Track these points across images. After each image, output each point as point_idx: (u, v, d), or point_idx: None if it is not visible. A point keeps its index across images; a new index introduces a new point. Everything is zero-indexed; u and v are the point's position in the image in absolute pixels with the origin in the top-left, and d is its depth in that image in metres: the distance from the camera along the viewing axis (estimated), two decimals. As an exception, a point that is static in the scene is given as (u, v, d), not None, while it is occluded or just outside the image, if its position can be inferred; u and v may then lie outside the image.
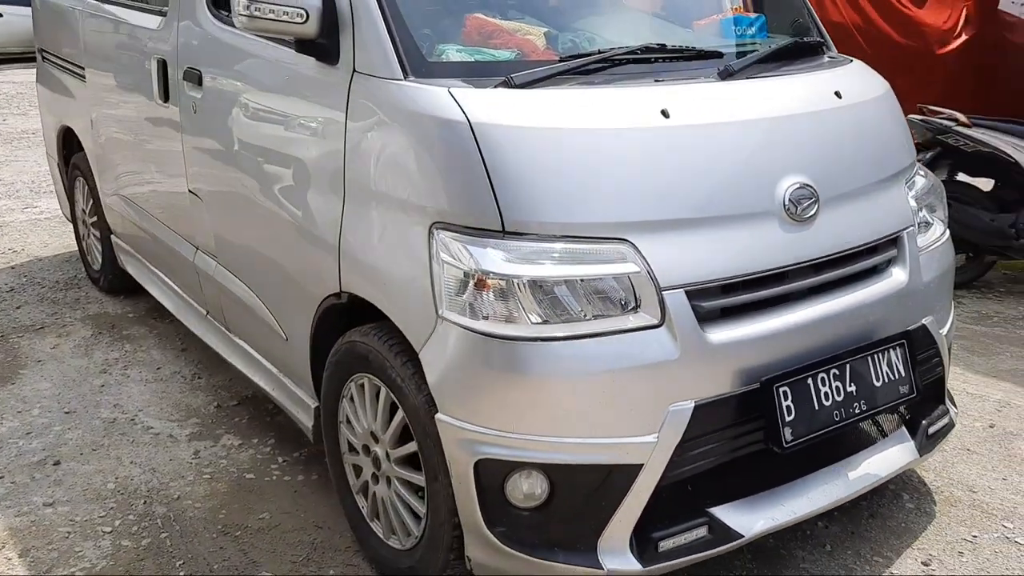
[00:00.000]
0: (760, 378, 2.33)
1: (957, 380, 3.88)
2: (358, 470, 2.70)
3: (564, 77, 2.42)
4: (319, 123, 2.60)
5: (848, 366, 2.48)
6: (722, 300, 2.32)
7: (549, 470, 2.20)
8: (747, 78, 2.65)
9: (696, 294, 2.27)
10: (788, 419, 2.35)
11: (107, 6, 4.13)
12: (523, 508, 2.24)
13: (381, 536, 2.65)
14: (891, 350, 2.57)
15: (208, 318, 3.64)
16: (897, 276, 2.68)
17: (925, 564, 2.71)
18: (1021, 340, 4.38)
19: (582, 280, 2.17)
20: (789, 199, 2.42)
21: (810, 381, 2.41)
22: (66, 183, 5.17)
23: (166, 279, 4.03)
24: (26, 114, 10.54)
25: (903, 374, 2.58)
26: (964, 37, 7.55)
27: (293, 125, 2.74)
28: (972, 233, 4.88)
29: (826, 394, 2.43)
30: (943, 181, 4.96)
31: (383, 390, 2.49)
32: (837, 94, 2.71)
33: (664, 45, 2.66)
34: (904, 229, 2.73)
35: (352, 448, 2.71)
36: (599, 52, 2.54)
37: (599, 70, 2.48)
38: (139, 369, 4.04)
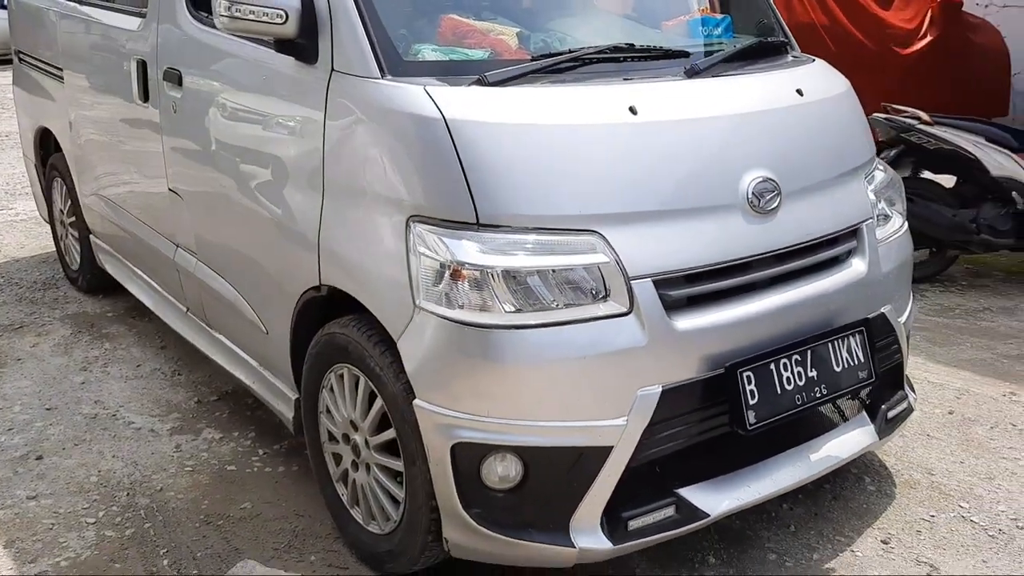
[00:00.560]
0: (725, 363, 2.43)
1: (919, 369, 4.00)
2: (338, 458, 2.78)
3: (536, 75, 2.51)
4: (298, 121, 2.68)
5: (809, 352, 2.58)
6: (688, 289, 2.42)
7: (523, 453, 2.29)
8: (712, 76, 2.75)
9: (663, 283, 2.36)
10: (752, 403, 2.45)
11: (84, 8, 4.18)
12: (498, 490, 2.32)
13: (361, 522, 2.72)
14: (851, 337, 2.68)
15: (189, 315, 3.69)
16: (857, 266, 2.79)
17: (884, 542, 2.82)
18: (981, 331, 4.52)
19: (554, 270, 2.26)
20: (752, 192, 2.52)
21: (773, 366, 2.51)
22: (43, 184, 5.20)
23: (146, 277, 4.08)
24: (-1, 116, 10.52)
25: (862, 360, 2.69)
26: (929, 38, 7.73)
27: (272, 124, 2.81)
28: (935, 228, 5.02)
29: (788, 379, 2.54)
30: (907, 178, 5.13)
31: (362, 379, 2.56)
32: (799, 91, 2.82)
33: (632, 45, 2.77)
34: (863, 221, 2.84)
35: (332, 437, 2.79)
36: (570, 51, 2.63)
37: (570, 69, 2.58)
38: (119, 366, 4.09)
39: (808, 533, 2.87)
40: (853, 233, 2.82)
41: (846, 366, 2.66)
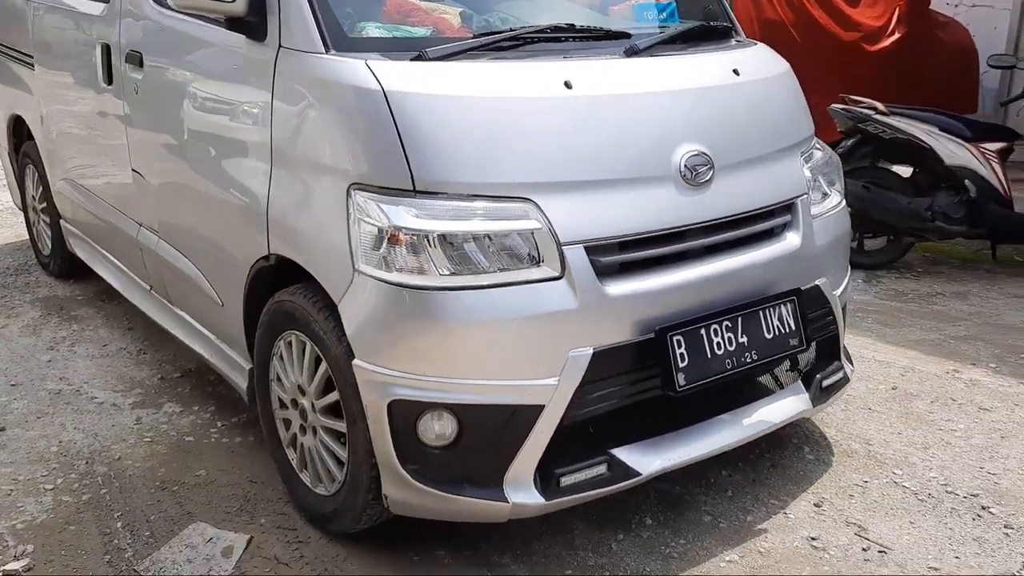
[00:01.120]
0: (656, 328, 2.52)
1: (867, 349, 4.12)
2: (288, 424, 2.87)
3: (477, 53, 2.61)
4: (248, 97, 2.77)
5: (740, 319, 2.68)
6: (620, 256, 2.52)
7: (457, 410, 2.38)
8: (650, 56, 2.85)
9: (595, 250, 2.46)
10: (681, 365, 2.55)
11: (54, -5, 4.26)
12: (434, 447, 2.41)
13: (309, 485, 2.81)
14: (782, 305, 2.78)
15: (152, 293, 3.78)
16: (791, 240, 2.90)
17: (817, 506, 2.92)
18: (933, 314, 4.63)
19: (488, 235, 2.36)
20: (685, 165, 2.62)
21: (703, 331, 2.61)
22: (17, 172, 5.27)
23: (112, 259, 4.16)
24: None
25: (793, 328, 2.79)
26: (896, 35, 7.86)
27: (225, 100, 2.90)
28: (890, 216, 5.14)
29: (719, 344, 2.63)
30: (864, 167, 5.25)
31: (308, 345, 2.65)
32: (735, 71, 2.93)
33: (573, 25, 2.86)
34: (798, 196, 2.94)
35: (282, 404, 2.87)
36: (510, 30, 2.73)
37: (510, 48, 2.67)
38: (86, 346, 4.17)
39: (744, 498, 2.97)
40: (788, 208, 2.92)
41: (777, 333, 2.76)
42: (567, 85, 2.55)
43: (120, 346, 4.17)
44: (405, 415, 2.39)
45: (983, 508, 2.91)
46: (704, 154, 2.67)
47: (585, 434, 2.61)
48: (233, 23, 2.76)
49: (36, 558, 2.68)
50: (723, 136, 2.78)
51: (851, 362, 3.24)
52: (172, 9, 3.03)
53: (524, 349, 2.39)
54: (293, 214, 2.61)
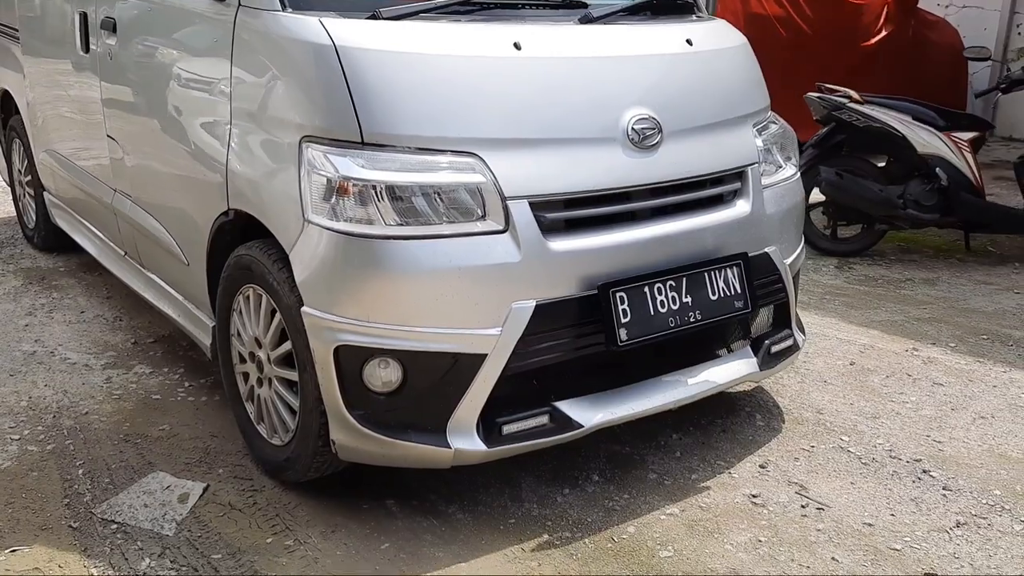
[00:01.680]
0: (599, 284, 2.60)
1: (830, 328, 4.19)
2: (246, 377, 2.94)
3: (431, 15, 2.68)
4: (210, 55, 2.86)
5: (685, 279, 2.75)
6: (565, 213, 2.59)
7: (402, 357, 2.46)
8: (604, 24, 2.93)
9: (540, 206, 2.53)
10: (624, 321, 2.62)
11: (39, -31, 4.35)
12: (379, 393, 2.49)
13: (265, 436, 2.88)
14: (728, 269, 2.85)
15: (126, 258, 3.86)
16: (741, 207, 2.97)
17: (762, 467, 2.99)
18: (900, 298, 4.69)
19: (433, 187, 2.44)
20: (632, 128, 2.70)
21: (647, 289, 2.68)
22: (4, 147, 5.36)
23: (90, 226, 4.25)
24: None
25: (739, 291, 2.86)
26: (884, 33, 7.94)
27: (189, 60, 2.99)
28: (863, 203, 5.21)
29: (662, 302, 2.70)
30: (839, 156, 5.32)
31: (264, 297, 2.73)
32: (688, 41, 3.00)
33: (530, -8, 2.94)
34: (748, 165, 3.01)
35: (242, 358, 2.95)
36: (468, -5, 2.81)
37: (466, 12, 2.75)
38: (64, 312, 4.25)
39: (692, 459, 3.03)
40: (739, 176, 2.99)
41: (722, 295, 2.83)
42: (516, 46, 2.63)
43: (97, 313, 4.25)
44: (351, 361, 2.46)
45: (924, 472, 2.97)
46: (652, 118, 2.74)
47: (531, 388, 2.68)
48: (197, -16, 2.84)
49: (-4, 501, 2.76)
50: (672, 102, 2.85)
51: (803, 331, 3.31)
52: (144, -26, 3.13)
53: (467, 299, 2.46)
54: (250, 168, 2.69)
